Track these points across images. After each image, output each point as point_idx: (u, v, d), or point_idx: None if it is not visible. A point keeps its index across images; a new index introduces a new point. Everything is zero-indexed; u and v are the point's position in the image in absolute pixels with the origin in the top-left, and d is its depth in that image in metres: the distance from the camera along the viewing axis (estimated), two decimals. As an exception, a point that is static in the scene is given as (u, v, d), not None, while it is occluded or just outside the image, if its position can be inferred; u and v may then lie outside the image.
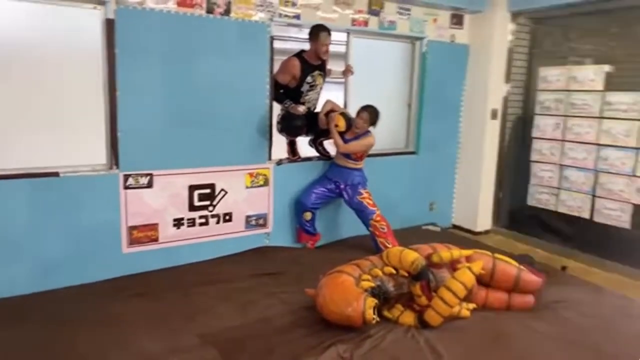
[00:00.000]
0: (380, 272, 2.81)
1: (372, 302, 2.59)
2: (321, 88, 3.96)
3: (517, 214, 5.01)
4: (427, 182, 4.90)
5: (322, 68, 3.87)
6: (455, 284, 2.77)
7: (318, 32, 3.67)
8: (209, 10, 3.45)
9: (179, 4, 3.34)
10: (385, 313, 2.82)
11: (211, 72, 3.52)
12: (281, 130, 3.84)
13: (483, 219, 5.07)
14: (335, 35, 3.95)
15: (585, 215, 4.29)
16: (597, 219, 4.19)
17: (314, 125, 3.86)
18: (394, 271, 2.81)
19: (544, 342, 2.57)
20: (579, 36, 4.45)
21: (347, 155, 3.92)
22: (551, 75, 4.48)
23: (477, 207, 5.01)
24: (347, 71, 4.05)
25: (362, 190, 3.97)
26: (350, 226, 4.33)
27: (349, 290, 2.62)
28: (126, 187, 3.34)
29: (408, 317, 2.81)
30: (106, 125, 3.25)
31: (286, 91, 3.80)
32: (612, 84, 4.04)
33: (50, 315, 2.75)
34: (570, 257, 4.29)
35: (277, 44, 3.93)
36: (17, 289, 3.01)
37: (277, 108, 3.90)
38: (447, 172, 5.11)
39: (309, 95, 3.87)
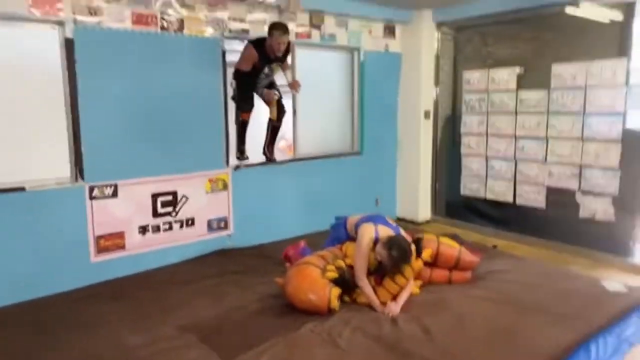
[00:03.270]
0: (343, 264, 3.17)
1: (337, 291, 2.94)
2: (275, 73, 4.20)
3: (453, 203, 5.57)
4: (372, 179, 5.35)
5: (281, 59, 4.04)
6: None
7: (272, 30, 3.81)
8: (163, 27, 3.68)
9: (135, 22, 3.54)
10: (346, 299, 3.15)
11: (169, 85, 3.75)
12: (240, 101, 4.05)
13: (423, 210, 5.59)
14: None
15: (509, 199, 4.90)
16: (519, 201, 4.82)
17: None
18: None
19: (477, 302, 3.04)
20: (495, 42, 5.08)
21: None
22: (473, 77, 5.09)
23: (417, 200, 5.52)
24: (294, 86, 4.18)
25: None
26: (301, 224, 4.65)
27: (315, 281, 2.94)
28: (92, 198, 3.48)
29: (364, 297, 3.17)
30: (69, 139, 3.39)
31: (242, 75, 3.93)
32: (522, 83, 4.69)
33: (28, 322, 2.87)
34: (499, 237, 4.89)
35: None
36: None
37: (232, 116, 4.17)
38: (390, 169, 5.59)
39: (263, 82, 4.08)
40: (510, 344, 2.54)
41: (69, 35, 3.27)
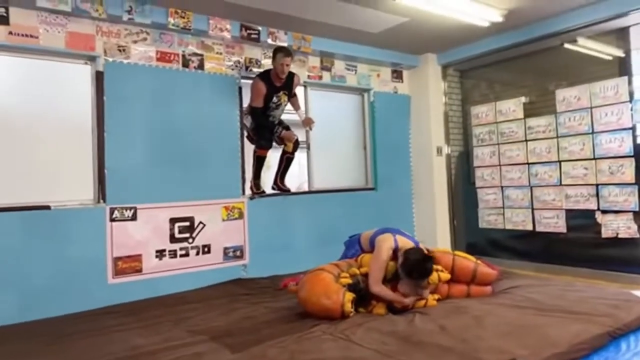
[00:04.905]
0: (358, 271, 3.14)
1: (350, 296, 2.89)
2: (286, 105, 4.32)
3: (473, 237, 5.48)
4: (388, 215, 5.33)
5: (287, 87, 4.20)
6: None
7: (275, 53, 4.03)
8: (185, 65, 4.02)
9: (159, 60, 3.90)
10: (361, 310, 3.07)
11: (189, 117, 4.02)
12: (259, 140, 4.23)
13: (443, 246, 5.47)
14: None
15: (529, 227, 4.81)
16: (539, 228, 4.72)
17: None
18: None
19: (497, 306, 2.91)
20: (499, 77, 5.30)
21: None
22: (481, 111, 5.25)
23: (436, 235, 5.45)
24: (308, 122, 4.40)
25: None
26: (316, 256, 4.61)
27: (329, 286, 2.92)
28: (112, 220, 3.61)
29: (380, 308, 3.08)
30: (94, 163, 3.61)
31: (255, 111, 4.12)
32: (529, 111, 4.81)
33: (43, 334, 2.85)
34: (522, 267, 4.70)
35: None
36: (5, 319, 3.10)
37: (248, 148, 4.36)
38: (405, 206, 5.60)
39: (274, 112, 4.25)
40: (529, 335, 2.40)
41: (100, 68, 3.62)
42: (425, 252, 3.20)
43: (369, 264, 3.15)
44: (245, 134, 4.39)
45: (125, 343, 2.60)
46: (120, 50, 3.70)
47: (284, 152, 4.45)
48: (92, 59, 3.63)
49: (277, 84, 4.14)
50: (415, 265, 2.95)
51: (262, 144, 4.25)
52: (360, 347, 2.35)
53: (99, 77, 3.62)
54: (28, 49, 3.38)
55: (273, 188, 4.53)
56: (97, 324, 2.99)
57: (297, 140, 4.43)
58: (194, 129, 4.05)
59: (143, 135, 3.80)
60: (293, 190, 4.72)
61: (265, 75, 4.14)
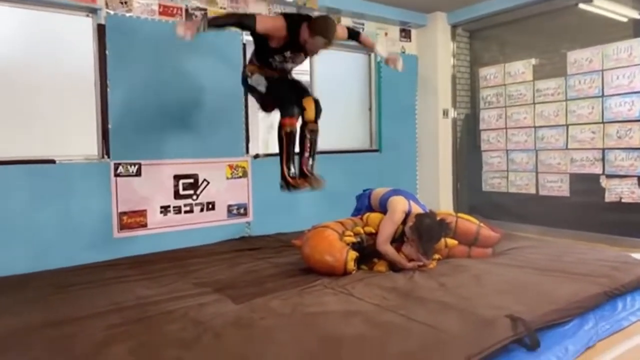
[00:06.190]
0: (362, 230, 3.16)
1: (353, 254, 2.93)
2: (301, 63, 3.27)
3: (475, 201, 5.49)
4: (392, 177, 5.32)
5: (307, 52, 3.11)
6: None
7: (317, 31, 2.86)
8: (188, 19, 3.93)
9: (161, 13, 3.81)
10: (364, 267, 3.12)
11: (192, 72, 3.95)
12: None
13: (445, 208, 5.50)
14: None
15: (532, 191, 4.81)
16: (542, 192, 4.72)
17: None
18: (373, 230, 3.15)
19: (497, 266, 2.97)
20: (509, 37, 5.17)
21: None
22: (489, 73, 5.14)
23: (438, 197, 5.47)
24: (393, 61, 3.48)
25: None
26: (320, 215, 4.66)
27: (333, 243, 2.95)
28: (116, 175, 3.63)
29: (382, 266, 3.13)
30: (97, 118, 3.59)
31: (262, 46, 3.08)
32: (538, 73, 4.71)
33: (49, 284, 2.91)
34: (524, 231, 4.74)
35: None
36: (14, 269, 3.15)
37: (252, 106, 4.30)
38: (410, 167, 5.59)
39: (282, 65, 3.16)
40: (527, 292, 2.45)
41: (102, 21, 3.54)
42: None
43: (382, 222, 3.13)
44: (257, 105, 3.40)
45: (131, 293, 2.66)
46: (122, 3, 3.62)
47: (304, 125, 3.16)
48: (93, 11, 3.54)
49: (299, 45, 3.01)
50: (429, 228, 2.92)
51: (287, 111, 3.02)
52: (361, 301, 2.41)
53: (100, 31, 3.55)
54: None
55: (302, 174, 3.28)
56: (103, 275, 3.05)
57: (319, 104, 3.19)
58: (197, 85, 4.00)
59: (146, 91, 3.76)
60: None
61: (293, 21, 2.93)
